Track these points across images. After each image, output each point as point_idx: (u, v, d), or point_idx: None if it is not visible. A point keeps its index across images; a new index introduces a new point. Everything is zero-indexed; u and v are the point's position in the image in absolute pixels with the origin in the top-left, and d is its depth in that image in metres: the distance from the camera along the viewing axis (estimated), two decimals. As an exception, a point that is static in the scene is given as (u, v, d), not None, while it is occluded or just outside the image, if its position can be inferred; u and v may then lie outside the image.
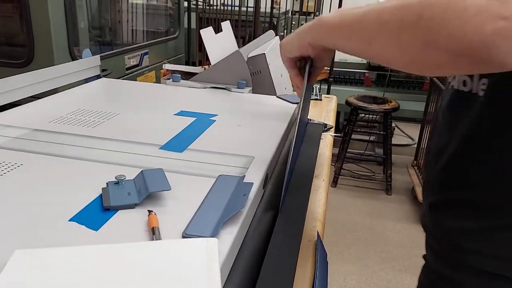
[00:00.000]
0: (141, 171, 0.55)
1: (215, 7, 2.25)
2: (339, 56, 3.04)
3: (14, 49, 1.38)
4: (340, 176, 2.84)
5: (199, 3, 2.34)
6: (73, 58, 1.30)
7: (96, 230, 0.44)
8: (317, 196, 0.86)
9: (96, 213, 0.47)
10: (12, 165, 0.57)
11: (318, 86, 2.87)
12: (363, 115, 3.00)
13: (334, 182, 2.84)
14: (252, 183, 0.56)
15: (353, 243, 2.23)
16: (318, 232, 0.68)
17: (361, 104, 2.73)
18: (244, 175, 0.59)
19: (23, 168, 0.57)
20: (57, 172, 0.57)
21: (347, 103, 2.77)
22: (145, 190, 0.50)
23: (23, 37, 1.28)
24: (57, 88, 0.94)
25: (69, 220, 0.45)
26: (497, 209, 0.58)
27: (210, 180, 0.58)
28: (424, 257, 0.75)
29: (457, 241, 0.63)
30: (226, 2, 2.50)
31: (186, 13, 2.23)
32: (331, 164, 0.90)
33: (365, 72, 3.30)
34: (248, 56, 1.12)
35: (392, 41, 0.42)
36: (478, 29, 0.35)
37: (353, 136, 2.84)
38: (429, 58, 0.40)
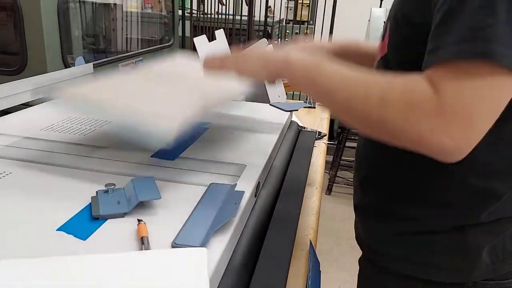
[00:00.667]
0: (131, 179, 0.54)
1: (209, 16, 2.27)
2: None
3: (7, 57, 1.38)
4: (334, 184, 2.84)
5: (193, 11, 2.35)
6: (67, 66, 1.30)
7: (84, 239, 0.44)
8: (310, 204, 0.86)
9: (85, 223, 0.47)
10: (1, 173, 0.56)
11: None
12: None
13: (329, 190, 2.84)
14: (243, 192, 0.56)
15: (347, 251, 2.23)
16: (310, 241, 0.68)
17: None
18: (236, 184, 0.59)
19: (12, 176, 0.56)
20: (46, 180, 0.56)
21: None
22: (135, 199, 0.50)
23: (16, 45, 1.27)
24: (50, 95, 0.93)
25: (56, 230, 0.45)
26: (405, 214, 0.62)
27: (201, 188, 0.57)
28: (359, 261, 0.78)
29: (379, 246, 0.66)
30: (220, 11, 2.51)
31: (181, 21, 2.24)
32: (325, 172, 0.90)
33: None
34: (242, 64, 1.12)
35: (358, 123, 0.50)
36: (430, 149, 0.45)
37: (348, 144, 2.85)
38: (384, 139, 0.50)
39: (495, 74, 0.42)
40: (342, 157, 2.84)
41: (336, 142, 2.91)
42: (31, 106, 0.87)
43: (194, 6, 2.42)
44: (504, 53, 0.41)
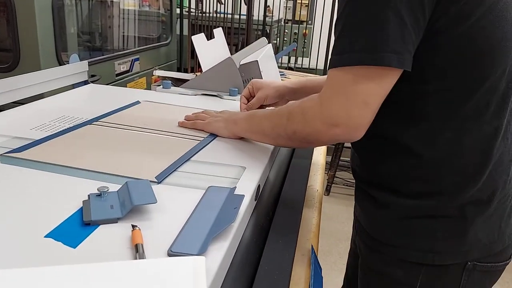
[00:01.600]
0: (126, 182, 0.52)
1: (207, 14, 2.24)
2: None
3: (-1, 54, 1.35)
4: (333, 185, 2.82)
5: (191, 10, 2.32)
6: (61, 63, 1.26)
7: (74, 247, 0.41)
8: (310, 206, 0.83)
9: (75, 229, 0.44)
10: (-13, 176, 0.53)
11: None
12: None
13: (327, 191, 2.81)
14: (243, 196, 0.53)
15: (347, 252, 2.20)
16: (312, 246, 0.65)
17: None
18: (235, 187, 0.56)
19: (-1, 178, 0.53)
20: (35, 183, 0.53)
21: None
22: (129, 203, 0.47)
23: (9, 41, 1.24)
24: (43, 93, 0.90)
25: (44, 236, 0.42)
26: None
27: (199, 191, 0.55)
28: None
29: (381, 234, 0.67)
30: (219, 10, 2.48)
31: (179, 19, 2.21)
32: (324, 172, 0.88)
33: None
34: (241, 63, 1.10)
35: (285, 142, 0.67)
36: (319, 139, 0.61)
37: (346, 144, 2.82)
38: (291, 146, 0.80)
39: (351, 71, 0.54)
40: (341, 158, 2.82)
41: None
42: (23, 104, 0.84)
43: (193, 5, 2.39)
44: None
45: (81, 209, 0.47)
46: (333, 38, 0.59)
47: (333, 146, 2.91)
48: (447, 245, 0.63)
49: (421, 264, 0.64)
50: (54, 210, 0.47)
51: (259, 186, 0.61)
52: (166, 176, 0.58)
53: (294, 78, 2.14)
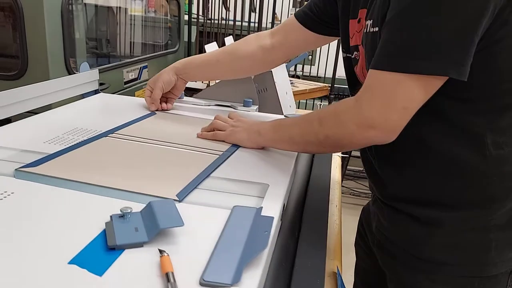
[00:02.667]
0: (149, 202, 0.49)
1: (215, 21, 2.22)
2: (340, 73, 3.02)
3: (6, 60, 1.31)
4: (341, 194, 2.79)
5: (199, 17, 2.30)
6: (69, 70, 1.24)
7: (101, 275, 0.38)
8: (330, 223, 0.80)
9: (100, 254, 0.41)
10: (1, 194, 0.50)
11: (320, 103, 2.84)
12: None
13: (332, 200, 2.78)
14: (273, 218, 0.51)
15: (352, 263, 2.17)
16: (338, 268, 0.63)
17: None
18: (261, 207, 0.54)
19: (14, 198, 0.50)
20: (53, 203, 0.51)
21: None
22: (155, 226, 0.44)
23: (15, 48, 1.21)
24: (51, 104, 0.87)
25: (68, 263, 0.39)
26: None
27: (224, 211, 0.52)
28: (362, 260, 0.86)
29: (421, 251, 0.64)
30: (226, 17, 2.47)
31: (187, 26, 2.19)
32: (341, 187, 0.87)
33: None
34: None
35: (316, 148, 0.68)
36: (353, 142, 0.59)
37: (353, 153, 2.80)
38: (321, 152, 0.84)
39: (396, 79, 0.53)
40: (348, 167, 2.80)
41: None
42: (35, 114, 0.82)
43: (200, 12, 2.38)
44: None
45: (103, 232, 0.45)
46: (374, 30, 0.57)
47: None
48: (501, 254, 0.60)
49: (474, 277, 0.61)
50: (75, 232, 0.44)
51: (284, 205, 0.59)
52: (187, 194, 0.55)
53: (303, 86, 2.12)
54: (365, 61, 0.64)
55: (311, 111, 1.35)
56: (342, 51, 0.74)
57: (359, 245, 0.87)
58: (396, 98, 0.53)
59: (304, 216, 0.66)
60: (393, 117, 0.54)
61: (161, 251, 0.42)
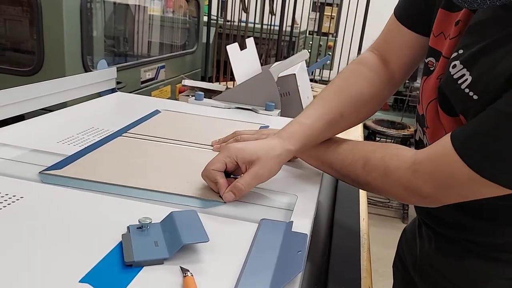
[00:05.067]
0: (170, 213, 0.44)
1: (234, 23, 2.19)
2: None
3: (21, 56, 1.29)
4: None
5: (219, 19, 2.27)
6: (86, 68, 1.21)
7: (116, 297, 0.34)
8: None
9: (115, 271, 0.37)
10: (10, 198, 0.46)
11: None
12: (379, 139, 2.90)
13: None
14: (306, 235, 0.45)
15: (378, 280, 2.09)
16: (371, 290, 0.57)
17: (379, 128, 2.63)
18: (292, 221, 0.48)
19: (23, 202, 0.46)
20: (64, 209, 0.46)
21: (365, 126, 2.68)
22: (177, 241, 0.39)
23: (32, 43, 1.19)
24: (66, 102, 0.84)
25: (80, 281, 0.35)
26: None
27: (250, 225, 0.47)
28: None
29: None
30: (245, 19, 2.43)
31: (205, 28, 2.16)
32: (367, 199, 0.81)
33: (381, 96, 3.21)
34: (279, 76, 1.03)
35: (352, 184, 0.59)
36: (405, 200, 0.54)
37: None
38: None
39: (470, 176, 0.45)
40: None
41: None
42: (49, 111, 0.78)
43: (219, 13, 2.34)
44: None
45: (119, 245, 0.40)
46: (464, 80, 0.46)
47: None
48: None
49: None
50: (88, 245, 0.40)
51: (314, 219, 0.54)
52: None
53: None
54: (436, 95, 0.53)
55: None
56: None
57: (397, 268, 0.79)
58: (462, 189, 0.47)
59: (335, 230, 0.61)
60: (449, 199, 0.50)
61: (184, 270, 0.37)
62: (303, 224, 0.49)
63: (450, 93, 0.50)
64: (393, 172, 0.51)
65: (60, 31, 1.14)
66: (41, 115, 0.75)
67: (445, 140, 0.47)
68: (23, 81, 0.72)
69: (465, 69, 0.47)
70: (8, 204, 0.45)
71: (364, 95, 0.63)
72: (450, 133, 0.47)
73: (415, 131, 0.66)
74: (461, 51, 0.48)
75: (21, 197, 0.46)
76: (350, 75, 0.65)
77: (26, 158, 0.57)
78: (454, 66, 0.48)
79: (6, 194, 0.46)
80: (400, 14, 0.62)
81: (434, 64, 0.55)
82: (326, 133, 0.61)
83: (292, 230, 0.47)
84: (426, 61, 0.58)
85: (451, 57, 0.50)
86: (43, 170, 0.53)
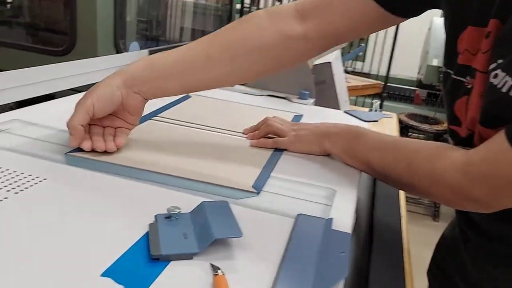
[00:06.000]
0: (201, 203, 0.41)
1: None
2: (394, 72, 2.84)
3: (54, 36, 1.29)
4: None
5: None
6: (118, 50, 1.20)
7: (140, 294, 0.30)
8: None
9: (140, 265, 0.33)
10: (33, 179, 0.44)
11: (373, 101, 2.69)
12: (411, 134, 2.79)
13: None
14: (349, 235, 0.41)
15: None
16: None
17: (412, 123, 2.53)
18: (331, 218, 0.44)
19: (46, 184, 0.43)
20: (88, 194, 0.43)
21: (398, 120, 2.58)
22: (208, 235, 0.36)
23: (65, 24, 1.18)
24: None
25: (101, 275, 0.31)
26: None
27: (286, 220, 0.43)
28: None
29: None
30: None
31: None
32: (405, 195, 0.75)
33: (415, 90, 3.08)
34: (313, 64, 0.97)
35: (393, 185, 0.56)
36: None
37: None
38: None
39: None
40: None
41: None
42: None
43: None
44: None
45: (145, 235, 0.37)
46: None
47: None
48: None
49: None
50: (113, 234, 0.37)
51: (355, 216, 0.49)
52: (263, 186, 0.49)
53: (355, 82, 1.99)
54: (478, 105, 0.47)
55: (362, 108, 1.19)
56: (444, 63, 0.55)
57: (434, 276, 0.72)
58: None
59: (375, 229, 0.56)
60: (504, 203, 0.45)
61: (214, 268, 0.34)
62: (343, 222, 0.44)
63: (495, 103, 0.44)
64: (442, 174, 0.47)
65: (93, 12, 1.13)
66: (69, 95, 0.74)
67: (500, 138, 0.42)
68: (55, 61, 0.71)
69: (508, 76, 0.42)
70: (31, 185, 0.42)
71: (247, 42, 0.55)
72: (504, 130, 0.42)
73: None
74: (500, 61, 0.43)
75: (44, 179, 0.44)
76: (237, 21, 0.59)
77: (53, 138, 0.55)
78: (496, 75, 0.43)
79: (30, 175, 0.44)
80: None
81: (472, 82, 0.49)
82: (186, 74, 0.54)
83: (332, 228, 0.42)
84: (464, 79, 0.51)
85: (490, 69, 0.45)
86: (68, 152, 0.51)
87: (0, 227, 0.35)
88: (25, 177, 0.44)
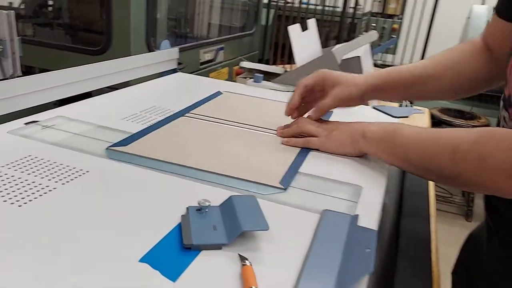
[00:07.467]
0: (230, 196, 0.43)
1: (294, 5, 2.13)
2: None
3: (91, 36, 1.35)
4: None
5: (279, 1, 2.22)
6: (150, 48, 1.24)
7: (174, 280, 0.33)
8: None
9: (173, 253, 0.36)
10: (77, 171, 0.47)
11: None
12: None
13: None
14: (375, 231, 0.42)
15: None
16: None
17: (446, 118, 2.44)
18: (357, 215, 0.45)
19: (88, 177, 0.47)
20: (127, 186, 0.46)
21: (430, 116, 2.50)
22: (237, 227, 0.38)
23: (101, 24, 1.23)
24: (130, 80, 0.86)
25: (139, 261, 0.34)
26: None
27: (311, 215, 0.44)
28: None
29: None
30: (306, 0, 2.36)
31: (266, 10, 2.12)
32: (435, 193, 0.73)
33: (449, 83, 2.98)
34: (342, 58, 0.97)
35: (435, 179, 0.57)
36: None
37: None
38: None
39: None
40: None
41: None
42: (115, 90, 0.80)
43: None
44: None
45: (178, 226, 0.39)
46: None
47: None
48: None
49: None
50: (151, 222, 0.40)
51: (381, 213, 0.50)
52: (290, 183, 0.51)
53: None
54: None
55: (392, 103, 1.16)
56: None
57: (458, 277, 0.71)
58: None
59: (402, 227, 0.56)
60: None
61: (242, 258, 0.36)
62: (369, 219, 0.45)
63: None
64: (491, 156, 0.43)
65: (127, 12, 1.17)
66: (106, 93, 0.78)
67: None
68: (92, 60, 0.75)
69: None
70: (75, 177, 0.46)
71: (463, 67, 0.64)
72: None
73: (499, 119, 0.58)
74: None
75: (87, 171, 0.47)
76: (456, 48, 0.68)
77: (92, 133, 0.58)
78: None
79: (74, 168, 0.48)
80: (498, 9, 0.61)
81: None
82: (414, 87, 0.65)
83: (358, 224, 0.43)
84: None
85: None
86: (109, 146, 0.54)
87: (50, 214, 0.39)
88: (70, 170, 0.47)
